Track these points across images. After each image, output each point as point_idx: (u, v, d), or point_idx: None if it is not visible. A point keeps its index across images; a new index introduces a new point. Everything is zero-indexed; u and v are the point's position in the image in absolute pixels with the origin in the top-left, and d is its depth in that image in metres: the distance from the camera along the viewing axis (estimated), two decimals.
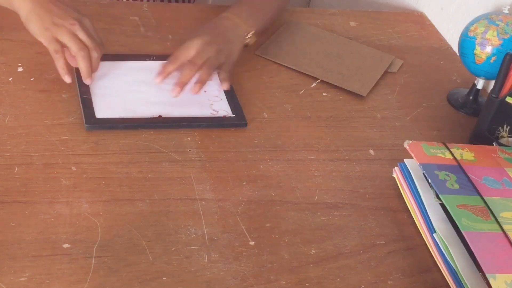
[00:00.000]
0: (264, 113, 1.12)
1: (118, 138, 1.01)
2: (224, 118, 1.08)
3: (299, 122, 1.12)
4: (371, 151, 1.09)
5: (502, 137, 1.09)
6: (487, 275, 0.81)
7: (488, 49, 1.15)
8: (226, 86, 1.12)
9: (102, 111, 1.04)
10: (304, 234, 0.92)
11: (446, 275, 0.88)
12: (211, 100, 1.11)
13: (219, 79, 1.13)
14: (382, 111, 1.18)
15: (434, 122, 1.18)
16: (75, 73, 1.10)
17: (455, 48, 1.34)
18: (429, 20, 1.50)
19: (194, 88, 1.09)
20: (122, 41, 1.21)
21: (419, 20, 1.49)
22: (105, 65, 1.13)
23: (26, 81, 1.08)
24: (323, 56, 1.28)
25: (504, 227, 0.88)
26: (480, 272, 0.85)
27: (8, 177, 0.91)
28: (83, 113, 1.03)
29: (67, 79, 1.05)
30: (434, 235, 0.91)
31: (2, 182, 0.90)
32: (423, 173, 0.97)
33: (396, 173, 1.02)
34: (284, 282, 0.85)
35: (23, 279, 0.79)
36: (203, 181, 0.97)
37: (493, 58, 1.15)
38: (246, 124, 1.08)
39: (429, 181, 0.94)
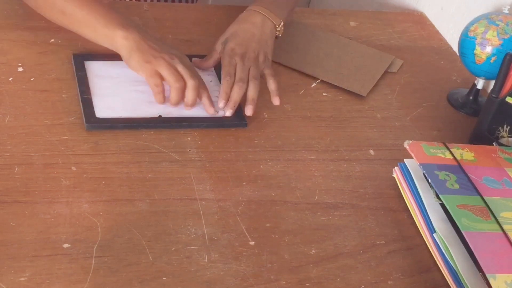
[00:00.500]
0: (264, 113, 1.12)
1: (118, 138, 1.01)
2: (224, 118, 1.08)
3: (299, 122, 1.12)
4: (371, 151, 1.09)
5: (502, 137, 1.09)
6: (487, 275, 0.81)
7: (488, 49, 1.15)
8: (277, 100, 1.12)
9: (102, 111, 1.04)
10: (304, 234, 0.92)
11: (446, 275, 0.88)
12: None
13: (271, 90, 1.13)
14: (382, 111, 1.18)
15: (434, 122, 1.18)
16: (75, 72, 1.10)
17: (455, 48, 1.34)
18: (429, 20, 1.50)
19: (250, 111, 1.09)
20: None
21: (419, 20, 1.49)
22: (105, 65, 1.13)
23: (26, 81, 1.08)
24: (323, 56, 1.28)
25: (504, 227, 0.88)
26: (480, 272, 0.85)
27: (8, 177, 0.91)
28: (83, 113, 1.03)
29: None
30: (434, 235, 0.91)
31: (2, 182, 0.90)
32: (423, 173, 0.97)
33: (396, 173, 1.02)
34: (284, 282, 0.85)
35: (23, 279, 0.79)
36: (203, 181, 0.97)
37: (493, 58, 1.15)
38: (246, 124, 1.08)
39: (429, 181, 0.94)
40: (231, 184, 0.97)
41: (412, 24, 1.46)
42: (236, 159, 1.02)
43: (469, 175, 0.96)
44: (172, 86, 1.06)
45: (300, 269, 0.87)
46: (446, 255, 0.88)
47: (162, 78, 1.06)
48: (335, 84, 1.21)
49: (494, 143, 1.06)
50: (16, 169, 0.93)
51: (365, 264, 0.90)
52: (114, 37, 1.08)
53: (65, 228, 0.86)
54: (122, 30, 1.08)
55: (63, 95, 1.06)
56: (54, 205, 0.89)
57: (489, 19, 1.17)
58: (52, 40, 1.17)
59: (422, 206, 0.95)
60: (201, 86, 1.08)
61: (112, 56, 1.15)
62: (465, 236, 0.85)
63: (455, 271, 0.86)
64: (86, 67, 1.12)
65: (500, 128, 1.09)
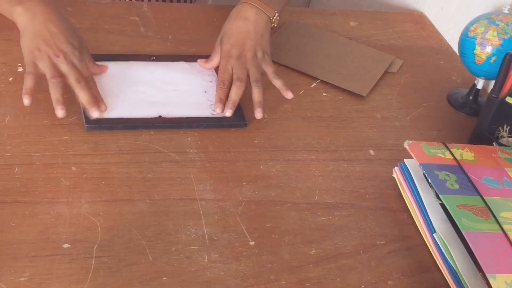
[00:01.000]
0: (264, 113, 1.12)
1: (118, 138, 1.01)
2: (224, 118, 1.08)
3: (299, 122, 1.12)
4: (371, 151, 1.09)
5: (502, 137, 1.09)
6: (487, 275, 0.81)
7: (488, 49, 1.15)
8: (289, 94, 1.12)
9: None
10: (304, 234, 0.92)
11: (446, 275, 0.88)
12: (211, 100, 1.11)
13: (279, 88, 1.12)
14: (382, 111, 1.18)
15: (434, 122, 1.18)
16: None
17: (455, 48, 1.34)
18: (429, 20, 1.50)
19: (259, 114, 1.08)
20: (122, 41, 1.21)
21: (419, 20, 1.49)
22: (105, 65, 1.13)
23: None
24: (323, 56, 1.28)
25: (504, 227, 0.88)
26: (480, 272, 0.85)
27: (8, 177, 0.91)
28: (83, 113, 1.03)
29: (25, 100, 1.00)
30: (434, 235, 0.91)
31: (2, 182, 0.90)
32: (423, 173, 0.97)
33: (396, 173, 1.02)
34: (284, 282, 0.85)
35: (23, 279, 0.79)
36: (203, 181, 0.97)
37: (493, 58, 1.15)
38: (246, 124, 1.08)
39: (429, 181, 0.94)
40: (231, 184, 0.97)
41: (412, 24, 1.46)
42: (236, 159, 1.02)
43: (469, 175, 0.96)
44: (49, 83, 1.01)
45: (300, 269, 0.87)
46: (446, 255, 0.88)
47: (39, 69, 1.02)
48: (335, 84, 1.21)
49: (494, 143, 1.06)
50: (16, 169, 0.93)
51: (365, 264, 0.90)
52: (13, 13, 1.07)
53: (65, 228, 0.86)
54: (20, 6, 1.05)
55: (63, 95, 1.06)
56: (54, 205, 0.89)
57: (489, 19, 1.17)
58: None
59: (422, 206, 0.95)
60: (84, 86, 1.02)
61: (112, 56, 1.16)
62: (465, 236, 0.85)
63: (455, 271, 0.86)
64: None
65: (500, 128, 1.09)
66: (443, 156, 0.99)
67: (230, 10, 1.17)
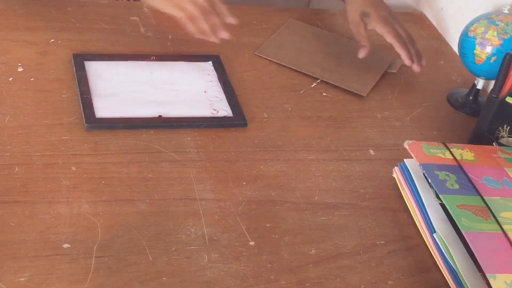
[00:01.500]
0: (264, 113, 1.12)
1: (118, 138, 1.01)
2: (224, 118, 1.08)
3: (299, 122, 1.12)
4: (371, 151, 1.09)
5: (502, 137, 1.09)
6: (487, 275, 0.81)
7: (488, 49, 1.15)
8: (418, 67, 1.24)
9: (102, 111, 1.04)
10: (304, 234, 0.92)
11: (446, 275, 0.88)
12: (211, 100, 1.11)
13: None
14: (382, 111, 1.18)
15: (434, 122, 1.18)
16: (75, 72, 1.10)
17: (455, 48, 1.34)
18: (429, 20, 1.50)
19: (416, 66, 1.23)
20: (122, 41, 1.21)
21: (419, 20, 1.49)
22: (105, 65, 1.13)
23: (26, 81, 1.08)
24: (323, 56, 1.28)
25: (504, 227, 0.88)
26: (480, 272, 0.85)
27: (8, 177, 0.91)
28: (83, 113, 1.03)
29: (214, 39, 1.12)
30: (434, 235, 0.91)
31: (2, 182, 0.90)
32: (423, 173, 0.97)
33: (396, 173, 1.02)
34: (284, 282, 0.85)
35: (23, 279, 0.79)
36: (203, 181, 0.97)
37: (493, 58, 1.15)
38: (246, 124, 1.08)
39: (429, 181, 0.94)
40: (231, 184, 0.97)
41: (412, 24, 1.46)
42: (236, 159, 1.02)
43: (469, 175, 0.96)
44: (197, 19, 1.10)
45: (300, 269, 0.87)
46: (446, 255, 0.88)
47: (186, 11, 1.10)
48: (335, 84, 1.21)
49: (494, 143, 1.06)
50: (16, 169, 0.93)
51: (365, 264, 0.90)
52: None
53: (65, 228, 0.86)
54: None
55: (63, 95, 1.06)
56: (54, 205, 0.89)
57: (489, 19, 1.17)
58: (52, 40, 1.17)
59: (422, 206, 0.95)
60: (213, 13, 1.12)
61: (112, 56, 1.16)
62: (465, 236, 0.85)
63: (455, 271, 0.86)
64: (86, 67, 1.12)
65: (500, 128, 1.09)
66: (443, 156, 0.99)
67: (229, 10, 1.16)
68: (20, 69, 1.10)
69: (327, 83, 1.22)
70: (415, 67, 1.22)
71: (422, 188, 0.96)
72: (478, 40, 1.16)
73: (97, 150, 0.98)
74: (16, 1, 1.21)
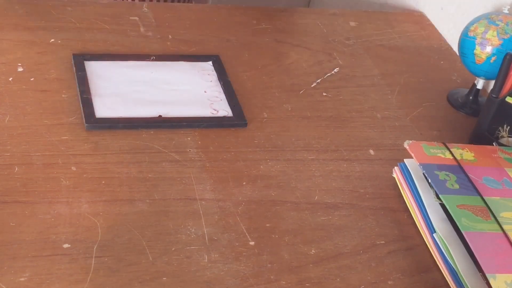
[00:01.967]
0: (264, 113, 1.12)
1: (118, 138, 1.01)
2: (224, 118, 1.08)
3: (299, 122, 1.12)
4: (371, 151, 1.09)
5: (502, 137, 1.09)
6: (487, 275, 0.81)
7: (488, 49, 1.15)
8: None
9: (102, 111, 1.04)
10: (304, 234, 0.92)
11: (446, 275, 0.88)
12: (211, 100, 1.11)
13: None
14: (382, 111, 1.18)
15: (434, 122, 1.18)
16: (75, 72, 1.10)
17: (455, 48, 1.34)
18: (429, 20, 1.50)
19: None
20: (122, 41, 1.21)
21: (419, 20, 1.49)
22: (105, 65, 1.13)
23: (26, 81, 1.08)
24: None
25: (504, 227, 0.88)
26: (480, 272, 0.85)
27: (8, 177, 0.91)
28: (83, 113, 1.03)
29: None
30: (434, 235, 0.91)
31: (2, 182, 0.90)
32: (423, 173, 0.96)
33: (396, 173, 1.02)
34: (284, 282, 0.85)
35: (23, 279, 0.79)
36: (203, 181, 0.97)
37: (493, 58, 1.15)
38: (246, 124, 1.08)
39: (429, 181, 0.94)
40: (231, 184, 0.97)
41: (412, 24, 1.46)
42: (236, 159, 1.02)
43: (469, 175, 0.96)
44: None
45: (300, 269, 0.87)
46: (446, 255, 0.88)
47: None
48: None
49: (494, 143, 1.06)
50: (16, 169, 0.93)
51: (365, 264, 0.90)
52: None
53: (65, 228, 0.86)
54: None
55: (63, 95, 1.06)
56: (54, 205, 0.89)
57: (489, 19, 1.17)
58: (52, 40, 1.17)
59: (422, 206, 0.95)
60: None
61: (112, 56, 1.16)
62: (465, 236, 0.85)
63: (455, 271, 0.86)
64: (86, 67, 1.12)
65: (500, 128, 1.09)
66: (443, 156, 0.99)
67: (230, 10, 1.17)
68: (20, 69, 1.10)
69: (327, 83, 1.21)
70: None
71: (422, 188, 0.96)
72: (478, 40, 1.16)
73: (97, 150, 0.98)
74: (16, 1, 1.21)
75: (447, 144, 1.02)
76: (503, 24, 1.15)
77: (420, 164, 0.96)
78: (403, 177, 1.00)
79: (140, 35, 1.24)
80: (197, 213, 0.92)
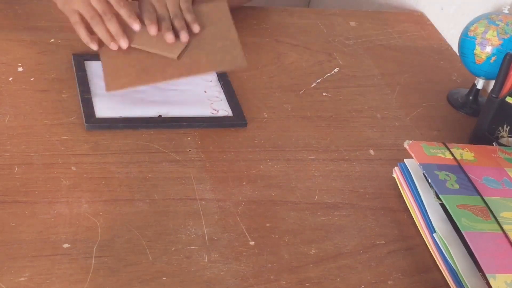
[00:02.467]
0: (264, 113, 1.12)
1: (118, 138, 1.01)
2: (224, 118, 1.08)
3: (299, 122, 1.12)
4: (371, 151, 1.09)
5: (502, 137, 1.09)
6: (487, 275, 0.81)
7: (488, 49, 1.15)
8: (196, 28, 1.10)
9: (102, 111, 1.04)
10: (304, 234, 0.92)
11: (446, 275, 0.88)
12: (211, 100, 1.11)
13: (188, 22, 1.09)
14: (382, 111, 1.18)
15: (434, 122, 1.18)
16: (75, 72, 1.10)
17: (455, 48, 1.34)
18: (429, 20, 1.50)
19: (185, 37, 1.08)
20: None
21: (419, 20, 1.49)
22: None
23: (26, 81, 1.08)
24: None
25: (504, 227, 0.88)
26: (480, 272, 0.85)
27: (8, 177, 0.91)
28: (83, 113, 1.03)
29: (93, 46, 1.08)
30: (434, 235, 0.91)
31: (2, 182, 0.90)
32: (423, 173, 0.97)
33: (396, 173, 1.02)
34: (284, 282, 0.85)
35: (23, 279, 0.79)
36: (203, 181, 0.97)
37: (493, 58, 1.15)
38: (246, 124, 1.08)
39: (429, 181, 0.94)
40: (231, 184, 0.97)
41: (412, 24, 1.46)
42: (236, 159, 1.02)
43: (469, 175, 0.96)
44: (90, 24, 1.07)
45: (300, 269, 0.87)
46: (446, 255, 0.88)
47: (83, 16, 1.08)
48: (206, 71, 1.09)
49: (494, 143, 1.06)
50: (16, 169, 0.93)
51: (365, 264, 0.90)
52: None
53: (65, 228, 0.86)
54: None
55: (63, 95, 1.06)
56: (54, 205, 0.89)
57: (489, 19, 1.17)
58: (52, 40, 1.17)
59: (422, 206, 0.95)
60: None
61: None
62: (465, 236, 0.85)
63: (455, 271, 0.86)
64: (86, 67, 1.12)
65: (500, 128, 1.09)
66: (443, 156, 0.99)
67: (229, 10, 1.17)
68: (20, 69, 1.10)
69: (327, 82, 1.22)
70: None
71: (422, 188, 0.96)
72: (478, 40, 1.16)
73: (97, 150, 0.98)
74: (16, 1, 1.21)
75: (447, 144, 1.02)
76: (503, 24, 1.15)
77: (420, 164, 0.96)
78: (403, 177, 1.00)
79: None
80: (197, 213, 0.92)
